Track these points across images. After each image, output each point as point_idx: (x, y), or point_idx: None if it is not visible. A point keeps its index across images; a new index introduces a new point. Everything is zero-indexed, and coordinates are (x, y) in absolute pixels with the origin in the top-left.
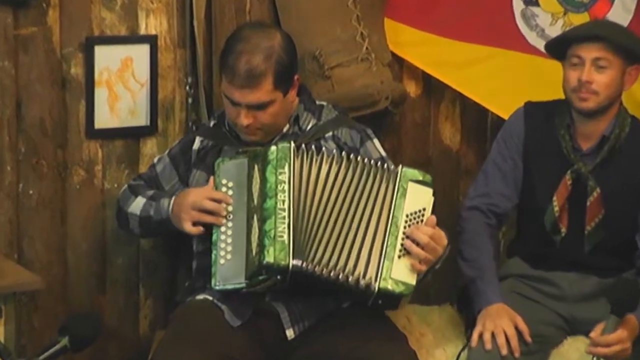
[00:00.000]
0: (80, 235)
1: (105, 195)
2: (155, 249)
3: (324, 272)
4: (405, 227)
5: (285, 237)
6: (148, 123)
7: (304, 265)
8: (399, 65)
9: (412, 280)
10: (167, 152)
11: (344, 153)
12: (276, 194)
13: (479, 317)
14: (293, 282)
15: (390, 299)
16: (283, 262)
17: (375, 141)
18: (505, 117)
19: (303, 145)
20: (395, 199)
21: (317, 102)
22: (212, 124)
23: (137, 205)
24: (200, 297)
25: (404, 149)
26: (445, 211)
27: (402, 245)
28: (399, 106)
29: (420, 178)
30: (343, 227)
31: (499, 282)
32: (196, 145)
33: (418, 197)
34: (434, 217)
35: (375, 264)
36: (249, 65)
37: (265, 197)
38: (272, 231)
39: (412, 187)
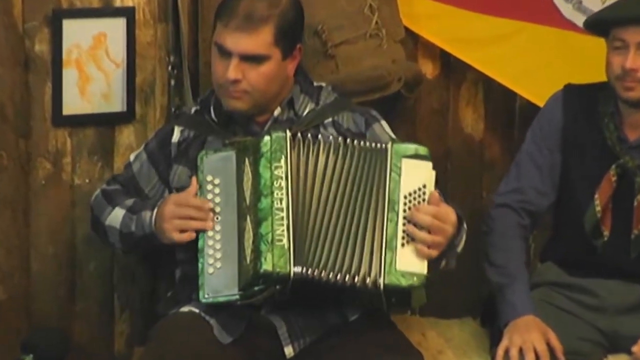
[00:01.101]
0: (46, 238)
1: (75, 192)
2: (133, 254)
3: (329, 277)
4: (405, 211)
5: (285, 240)
6: (124, 109)
7: (307, 271)
8: (414, 42)
9: (421, 269)
10: (143, 147)
11: (340, 139)
12: (272, 192)
13: (505, 330)
14: (294, 291)
15: (402, 295)
16: (283, 270)
17: (383, 123)
18: (536, 101)
19: (299, 134)
20: (389, 181)
21: (315, 84)
22: (193, 110)
23: (116, 217)
24: (185, 309)
25: (419, 139)
26: (467, 209)
27: (404, 231)
28: (414, 90)
29: (414, 152)
30: (345, 224)
31: (530, 291)
32: (175, 136)
33: (415, 173)
34: (436, 193)
35: (377, 258)
36: (251, 8)
37: (259, 195)
38: (270, 235)
39: (407, 163)
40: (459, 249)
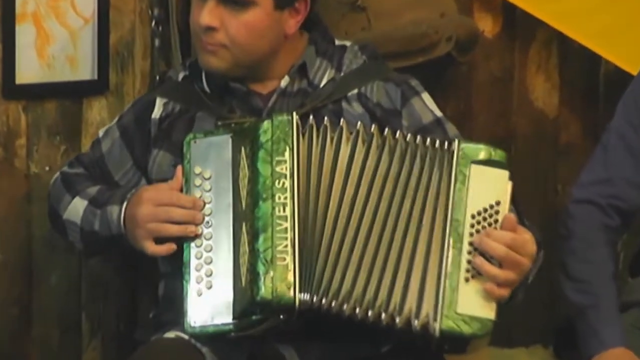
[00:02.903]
0: None
1: (32, 183)
2: (105, 264)
3: (353, 312)
4: (471, 234)
5: (289, 259)
6: (95, 76)
7: (319, 300)
8: None
9: (488, 313)
10: (116, 120)
11: (374, 127)
12: (273, 195)
13: None
14: (303, 322)
15: (459, 342)
16: (285, 298)
17: (425, 96)
18: (627, 66)
19: (311, 117)
20: (453, 193)
21: (337, 43)
22: (180, 76)
23: (76, 210)
24: (171, 334)
25: (475, 116)
26: (537, 206)
27: (468, 262)
28: (468, 52)
29: (487, 156)
30: (380, 243)
31: (620, 315)
32: (157, 111)
33: (487, 185)
34: (512, 216)
35: (432, 294)
36: None
37: (257, 198)
38: (269, 251)
39: (476, 171)
40: (529, 280)
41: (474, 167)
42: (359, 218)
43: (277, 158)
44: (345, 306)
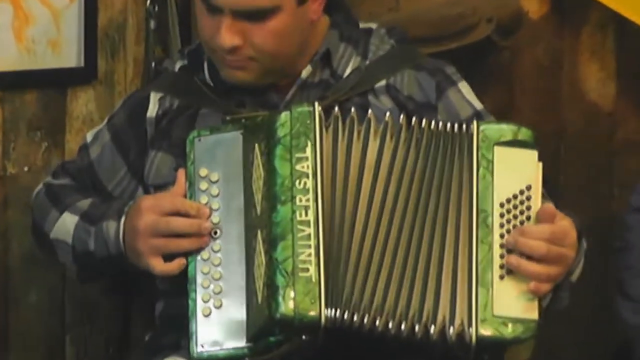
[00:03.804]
0: None
1: (8, 186)
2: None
3: (385, 327)
4: (502, 225)
5: (312, 270)
6: (81, 63)
7: (348, 316)
8: None
9: (530, 312)
10: (106, 122)
11: (402, 117)
12: (293, 197)
13: None
14: (329, 343)
15: (499, 351)
16: (310, 314)
17: (463, 86)
18: None
19: (336, 108)
20: (477, 181)
21: (362, 25)
22: (178, 67)
23: (65, 228)
24: None
25: (518, 110)
26: (590, 213)
27: (502, 257)
28: (510, 35)
29: (512, 136)
30: (409, 247)
31: None
32: (152, 108)
33: (515, 169)
34: (549, 206)
35: (464, 297)
36: None
37: (274, 201)
38: (290, 261)
39: (501, 154)
40: (575, 276)
41: (498, 149)
42: (388, 221)
43: (297, 155)
44: (377, 321)
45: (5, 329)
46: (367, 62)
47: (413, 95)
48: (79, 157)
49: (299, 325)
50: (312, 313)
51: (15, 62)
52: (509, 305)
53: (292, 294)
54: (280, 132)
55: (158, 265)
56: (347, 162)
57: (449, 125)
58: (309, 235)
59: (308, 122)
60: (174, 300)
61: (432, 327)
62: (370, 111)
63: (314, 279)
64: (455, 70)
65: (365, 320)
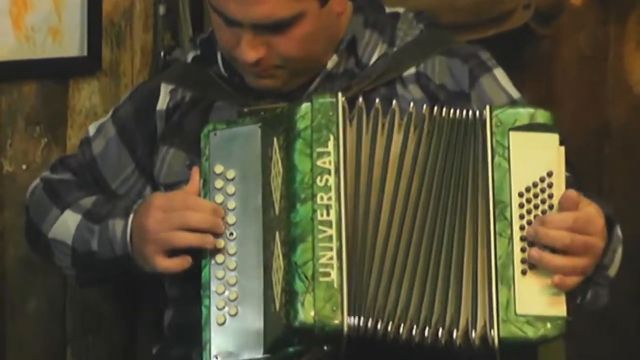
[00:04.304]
0: None
1: (6, 185)
2: (96, 287)
3: (410, 334)
4: (522, 217)
5: (334, 275)
6: (84, 53)
7: (372, 324)
8: None
9: (558, 309)
10: (111, 114)
11: (425, 107)
12: (314, 195)
13: None
14: (352, 354)
15: (527, 353)
16: (331, 322)
17: (498, 72)
18: None
19: (360, 99)
20: (492, 170)
21: (388, 10)
22: (190, 57)
23: (66, 227)
24: None
25: (559, 104)
26: (636, 215)
27: (523, 250)
28: (551, 23)
29: (528, 120)
30: (431, 247)
31: None
32: (163, 100)
33: (534, 155)
34: (571, 192)
35: (484, 297)
36: None
37: (294, 199)
38: (309, 265)
39: (518, 139)
40: (612, 271)
41: (514, 135)
42: (411, 221)
43: (318, 149)
44: (401, 328)
45: (1, 339)
46: (394, 49)
47: (445, 84)
48: (80, 151)
49: (319, 335)
50: (334, 321)
51: (13, 51)
52: (533, 302)
53: (312, 301)
54: (301, 125)
55: (161, 262)
56: (370, 158)
57: (458, 112)
58: (331, 236)
59: (330, 114)
60: (184, 308)
61: (455, 331)
62: (394, 102)
63: (335, 285)
64: (491, 55)
65: (390, 327)
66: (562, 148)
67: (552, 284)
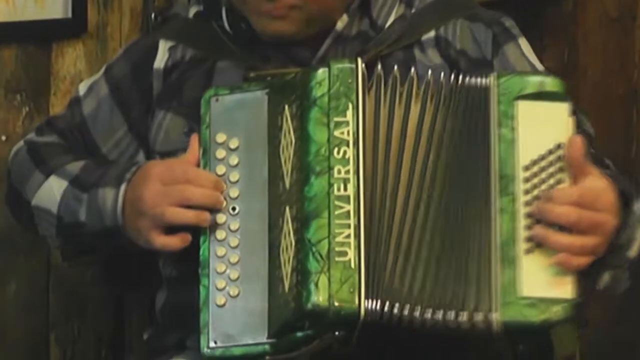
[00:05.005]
0: None
1: None
2: (82, 268)
3: (423, 317)
4: (527, 192)
5: (352, 254)
6: (68, 14)
7: (389, 308)
8: None
9: (564, 291)
10: (103, 71)
11: (442, 75)
12: (330, 168)
13: None
14: (364, 342)
15: (535, 339)
16: (348, 306)
17: (522, 42)
18: None
19: (379, 65)
20: (497, 143)
21: None
22: (192, 12)
23: (51, 193)
24: None
25: (583, 70)
26: None
27: (528, 228)
28: None
29: (537, 88)
30: (446, 225)
31: None
32: (161, 58)
33: (542, 126)
34: (577, 156)
35: (486, 277)
36: None
37: (308, 172)
38: (324, 243)
39: (525, 109)
40: (632, 252)
41: (521, 104)
42: (427, 198)
43: (336, 119)
44: (416, 311)
45: None
46: (413, 10)
47: (466, 50)
48: (68, 111)
49: (333, 319)
50: (351, 305)
51: None
52: (538, 283)
53: (326, 282)
54: (317, 92)
55: (158, 239)
56: (388, 130)
57: (466, 79)
58: (348, 213)
59: (350, 81)
60: (180, 288)
61: (462, 314)
62: (412, 70)
63: (353, 265)
64: (514, 24)
65: (406, 311)
66: (573, 119)
67: (555, 262)
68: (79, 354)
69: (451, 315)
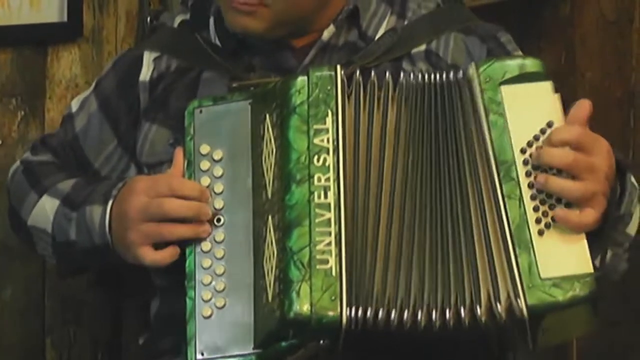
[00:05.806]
0: None
1: None
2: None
3: (416, 320)
4: (529, 174)
5: (333, 262)
6: (64, 18)
7: (371, 315)
8: None
9: (584, 266)
10: (93, 87)
11: (412, 76)
12: (310, 176)
13: None
14: (351, 349)
15: (557, 320)
16: (329, 314)
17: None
18: None
19: (357, 72)
20: (489, 130)
21: None
22: (178, 21)
23: (44, 213)
24: None
25: (580, 73)
26: None
27: (536, 209)
28: None
29: (518, 71)
30: (438, 223)
31: None
32: (146, 70)
33: (529, 107)
34: (577, 113)
35: (503, 266)
36: None
37: (288, 180)
38: (306, 251)
39: (509, 93)
40: (632, 228)
41: (505, 89)
42: (412, 199)
43: (315, 126)
44: (405, 315)
45: None
46: (405, 22)
47: (458, 64)
48: (62, 129)
49: (316, 328)
50: (332, 313)
51: None
52: (556, 263)
53: (308, 290)
54: (296, 100)
55: (148, 255)
56: (368, 136)
57: (438, 74)
58: (329, 220)
59: (329, 88)
60: (172, 297)
61: (479, 308)
62: (387, 74)
63: (334, 272)
64: (511, 38)
65: (393, 316)
66: (558, 95)
67: (568, 232)
68: (75, 359)
69: (465, 313)
